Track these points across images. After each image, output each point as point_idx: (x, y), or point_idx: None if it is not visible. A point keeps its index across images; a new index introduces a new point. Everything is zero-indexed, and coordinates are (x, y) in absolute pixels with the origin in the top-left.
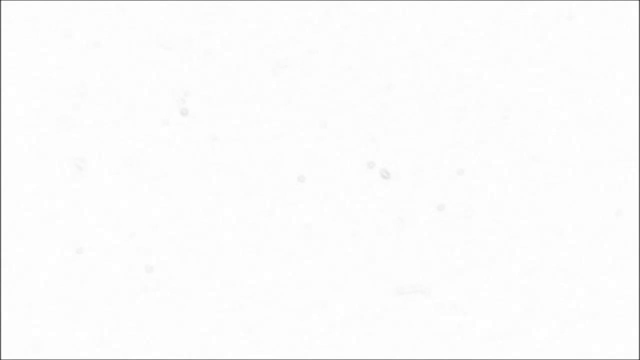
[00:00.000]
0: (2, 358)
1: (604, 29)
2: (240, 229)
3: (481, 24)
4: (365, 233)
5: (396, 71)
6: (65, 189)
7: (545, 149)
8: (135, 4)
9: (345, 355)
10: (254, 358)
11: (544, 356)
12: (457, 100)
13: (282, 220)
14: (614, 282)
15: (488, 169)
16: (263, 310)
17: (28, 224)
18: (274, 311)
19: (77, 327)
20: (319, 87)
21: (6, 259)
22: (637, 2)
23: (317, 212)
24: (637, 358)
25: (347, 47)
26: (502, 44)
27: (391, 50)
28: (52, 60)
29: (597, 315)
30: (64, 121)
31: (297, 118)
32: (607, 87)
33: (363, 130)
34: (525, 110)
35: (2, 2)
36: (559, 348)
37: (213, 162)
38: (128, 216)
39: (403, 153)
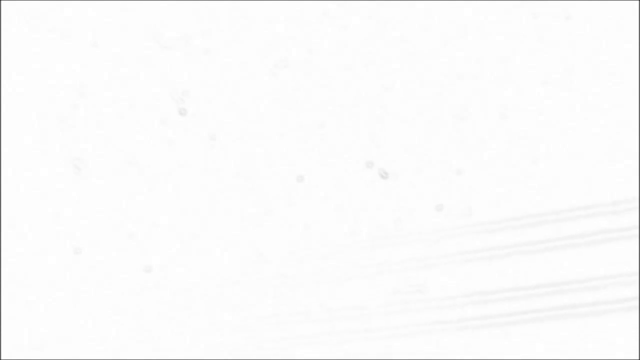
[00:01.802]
0: (2, 358)
1: (604, 29)
2: (240, 228)
3: (481, 24)
4: (364, 233)
5: (396, 71)
6: (65, 189)
7: (545, 149)
8: (135, 4)
9: (346, 355)
10: (254, 358)
11: (544, 356)
12: (457, 100)
13: (282, 220)
14: (614, 281)
15: (488, 169)
16: (263, 310)
17: (28, 224)
18: (274, 311)
19: (76, 327)
20: (319, 87)
21: (6, 259)
22: (637, 2)
23: (317, 212)
24: (637, 358)
25: (347, 47)
26: (502, 44)
27: (391, 50)
28: (52, 60)
29: (597, 315)
30: (63, 121)
31: (297, 118)
32: (607, 87)
33: (362, 130)
34: (525, 110)
35: (2, 2)
36: (559, 348)
37: (213, 162)
38: (127, 216)
39: (402, 153)
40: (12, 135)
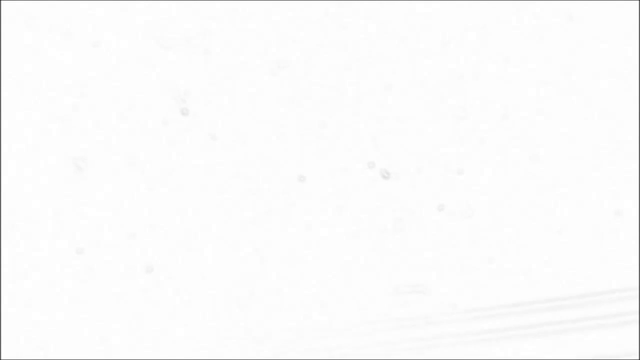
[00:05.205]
0: (2, 358)
1: (604, 29)
2: (240, 229)
3: (481, 24)
4: (365, 233)
5: (396, 71)
6: (65, 189)
7: (545, 148)
8: (135, 4)
9: (346, 355)
10: (254, 358)
11: (543, 356)
12: (457, 100)
13: (282, 220)
14: (614, 282)
15: (488, 169)
16: (263, 310)
17: (28, 224)
18: (274, 311)
19: (77, 327)
20: (319, 87)
21: (6, 259)
22: (637, 2)
23: (317, 212)
24: (637, 358)
25: (347, 47)
26: (502, 44)
27: (391, 50)
28: (52, 60)
29: (597, 315)
30: (64, 121)
31: (297, 118)
32: (607, 87)
33: (363, 130)
34: (525, 110)
35: (2, 2)
36: (559, 348)
37: (213, 162)
38: (128, 216)
39: (403, 153)
40: (13, 135)
